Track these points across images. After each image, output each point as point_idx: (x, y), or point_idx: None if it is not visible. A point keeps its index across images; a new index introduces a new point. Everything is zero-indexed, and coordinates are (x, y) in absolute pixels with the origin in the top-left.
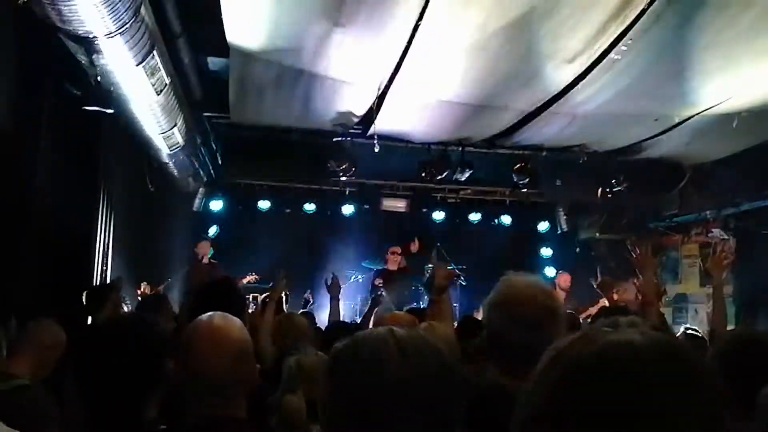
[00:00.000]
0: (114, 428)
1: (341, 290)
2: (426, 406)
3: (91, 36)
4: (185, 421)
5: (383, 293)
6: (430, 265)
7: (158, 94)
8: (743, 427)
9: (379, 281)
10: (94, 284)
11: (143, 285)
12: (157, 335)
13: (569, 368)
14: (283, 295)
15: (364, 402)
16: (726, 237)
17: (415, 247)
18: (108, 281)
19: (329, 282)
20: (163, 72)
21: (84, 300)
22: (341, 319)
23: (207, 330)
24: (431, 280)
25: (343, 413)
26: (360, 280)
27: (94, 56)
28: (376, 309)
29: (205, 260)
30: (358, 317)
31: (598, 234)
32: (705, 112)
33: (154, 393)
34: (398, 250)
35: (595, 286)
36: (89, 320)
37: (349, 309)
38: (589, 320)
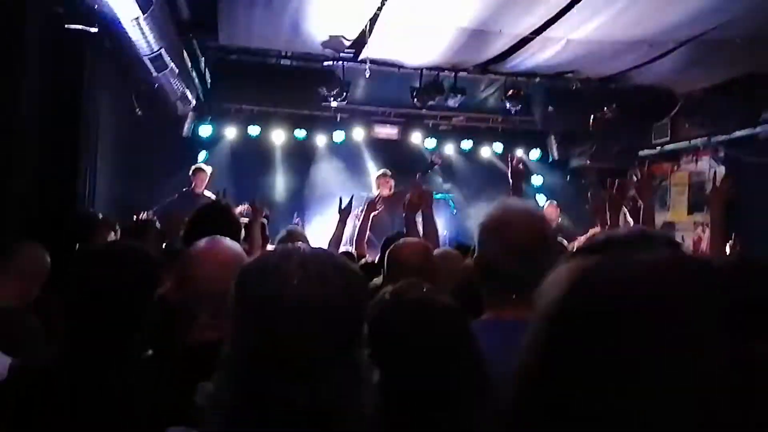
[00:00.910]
0: (98, 352)
1: (349, 215)
2: (325, 323)
3: None
4: (177, 345)
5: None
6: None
7: (144, 13)
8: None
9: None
10: (81, 210)
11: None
12: (148, 261)
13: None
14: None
15: (265, 317)
16: (715, 165)
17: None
18: (97, 214)
19: (343, 204)
20: None
21: (71, 225)
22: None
23: (206, 250)
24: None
25: (244, 323)
26: (350, 212)
27: None
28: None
29: (200, 190)
30: (350, 245)
31: (588, 162)
32: (700, 38)
33: (141, 319)
34: (387, 172)
35: (589, 210)
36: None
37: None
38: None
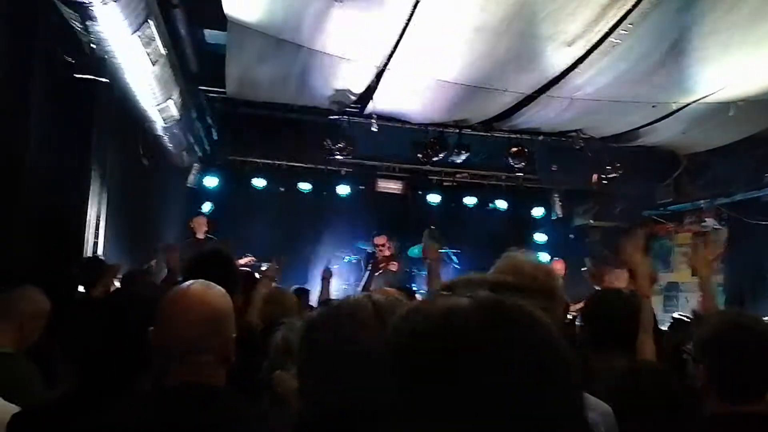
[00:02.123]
0: (104, 392)
1: (332, 276)
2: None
3: (86, 1)
4: (153, 387)
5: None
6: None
7: (153, 65)
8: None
9: (393, 265)
10: (86, 256)
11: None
12: (146, 307)
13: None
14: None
15: (341, 367)
16: (719, 227)
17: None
18: (104, 260)
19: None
20: (158, 42)
21: (76, 271)
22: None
23: (180, 295)
24: (424, 254)
25: (318, 379)
26: (354, 262)
27: (88, 22)
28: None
29: (201, 236)
30: None
31: (592, 221)
32: (702, 100)
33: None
34: (383, 241)
35: (586, 276)
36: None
37: (341, 290)
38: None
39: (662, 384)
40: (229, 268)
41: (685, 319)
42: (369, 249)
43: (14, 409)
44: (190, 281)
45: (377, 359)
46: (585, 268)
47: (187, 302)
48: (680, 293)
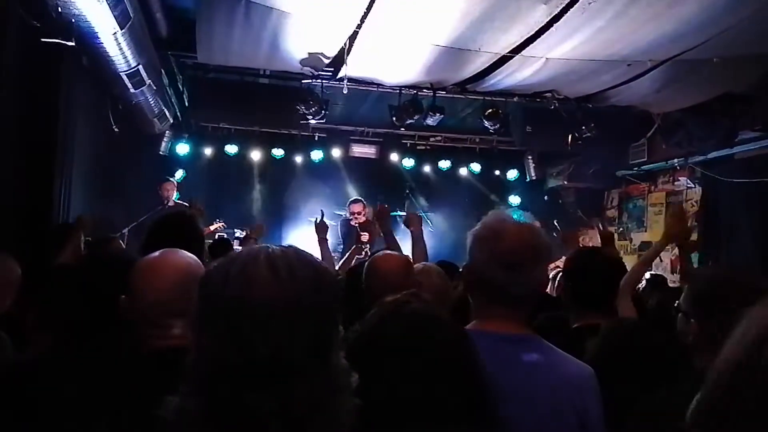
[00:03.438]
0: (79, 352)
1: (328, 230)
2: (294, 324)
3: None
4: (123, 353)
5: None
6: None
7: (122, 29)
8: None
9: (364, 236)
10: (55, 224)
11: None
12: (119, 271)
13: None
14: (244, 234)
15: (232, 321)
16: (692, 185)
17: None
18: (71, 224)
19: (318, 221)
20: (127, 4)
21: (47, 239)
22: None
23: (151, 262)
24: (407, 224)
25: (211, 330)
26: (329, 227)
27: None
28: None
29: (171, 202)
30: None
31: (566, 182)
32: (677, 57)
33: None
34: (359, 208)
35: (559, 240)
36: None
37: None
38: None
39: (646, 340)
40: (191, 231)
41: (660, 277)
42: (343, 215)
43: None
44: (160, 250)
45: (269, 312)
46: (555, 233)
47: (159, 268)
48: None
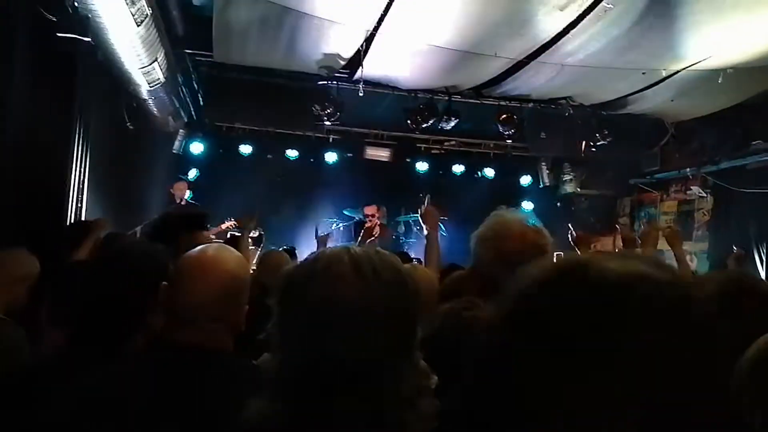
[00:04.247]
0: (96, 358)
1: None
2: (380, 325)
3: None
4: (159, 348)
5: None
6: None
7: (138, 26)
8: None
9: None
10: (69, 221)
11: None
12: (154, 262)
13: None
14: (257, 233)
15: (317, 320)
16: (704, 195)
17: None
18: (89, 220)
19: (319, 234)
20: (143, 2)
21: (65, 234)
22: None
23: (200, 258)
24: (423, 218)
25: (295, 332)
26: (341, 228)
27: None
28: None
29: (183, 201)
30: None
31: (579, 189)
32: (692, 67)
33: (143, 321)
34: (372, 210)
35: (571, 242)
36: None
37: None
38: None
39: None
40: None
41: None
42: (357, 217)
43: None
44: (205, 245)
45: (355, 312)
46: (570, 235)
47: (207, 266)
48: (666, 261)
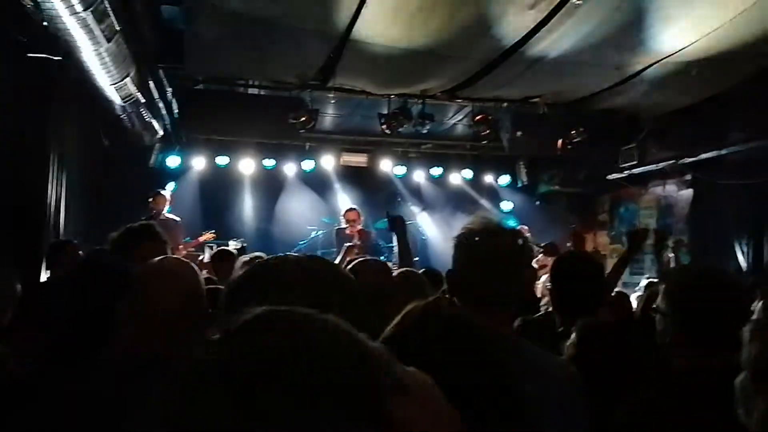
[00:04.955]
0: (72, 363)
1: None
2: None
3: None
4: (125, 357)
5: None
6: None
7: (108, 42)
8: (706, 363)
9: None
10: (47, 239)
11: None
12: (121, 273)
13: None
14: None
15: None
16: (683, 187)
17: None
18: (66, 240)
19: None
20: (112, 18)
21: (42, 254)
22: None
23: (158, 269)
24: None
25: None
26: (320, 236)
27: None
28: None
29: (162, 215)
30: None
31: (557, 187)
32: (664, 60)
33: (106, 335)
34: (354, 216)
35: (570, 237)
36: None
37: None
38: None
39: (620, 341)
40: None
41: (654, 281)
42: (337, 224)
43: None
44: (161, 257)
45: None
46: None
47: (165, 275)
48: (646, 255)
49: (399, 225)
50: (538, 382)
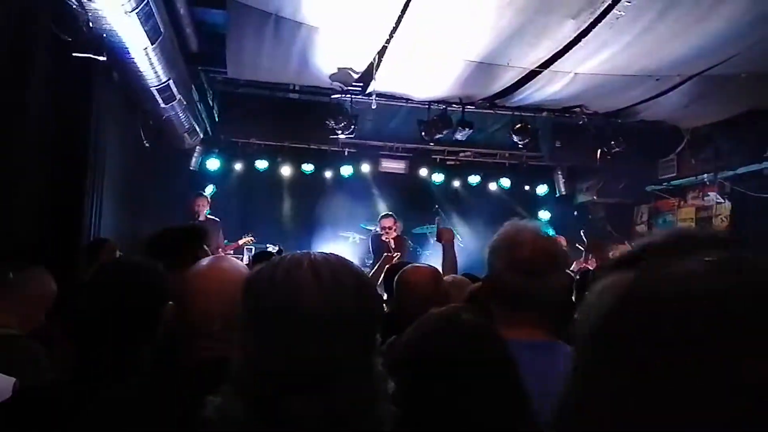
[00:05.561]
0: (107, 369)
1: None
2: (337, 329)
3: None
4: (178, 364)
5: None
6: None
7: (152, 44)
8: None
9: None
10: (87, 239)
11: None
12: (157, 275)
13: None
14: (276, 248)
15: (276, 327)
16: (722, 201)
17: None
18: (104, 238)
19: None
20: (157, 20)
21: (80, 254)
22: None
23: (209, 270)
24: (438, 237)
25: (255, 334)
26: (357, 242)
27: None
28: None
29: (202, 217)
30: None
31: (595, 197)
32: (705, 72)
33: (149, 340)
34: (389, 223)
35: (583, 249)
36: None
37: None
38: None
39: None
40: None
41: None
42: (374, 229)
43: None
44: (211, 257)
45: (313, 317)
46: (582, 243)
47: (213, 278)
48: None
49: (446, 237)
50: (544, 382)
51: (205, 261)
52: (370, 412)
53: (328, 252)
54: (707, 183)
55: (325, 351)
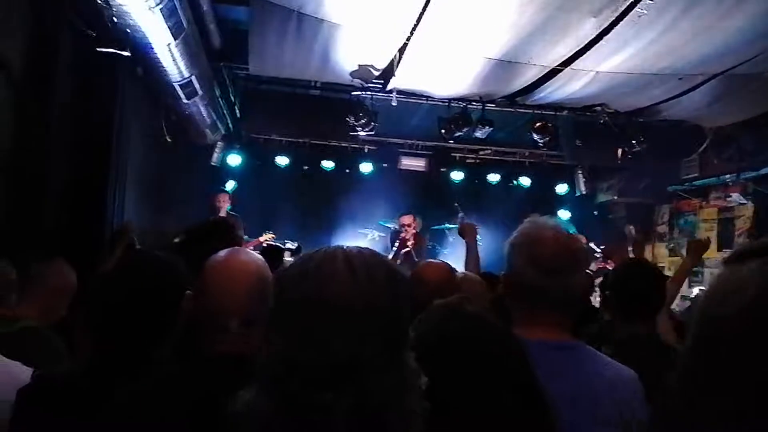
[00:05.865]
0: (122, 368)
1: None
2: (369, 323)
3: None
4: (196, 358)
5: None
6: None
7: (175, 39)
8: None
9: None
10: (109, 232)
11: None
12: (176, 269)
13: None
14: (295, 245)
15: (308, 320)
16: (744, 201)
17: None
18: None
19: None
20: (181, 16)
21: (101, 246)
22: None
23: (222, 261)
24: (461, 233)
25: (286, 327)
26: (377, 239)
27: None
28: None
29: (223, 213)
30: None
31: (616, 197)
32: (729, 72)
33: (167, 333)
34: (409, 220)
35: (598, 252)
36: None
37: None
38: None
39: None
40: (230, 240)
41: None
42: (393, 227)
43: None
44: (227, 249)
45: (346, 310)
46: (598, 247)
47: (231, 270)
48: (705, 268)
49: (470, 233)
50: (596, 389)
51: (222, 252)
52: (402, 406)
53: (362, 246)
54: (730, 183)
55: (357, 344)
